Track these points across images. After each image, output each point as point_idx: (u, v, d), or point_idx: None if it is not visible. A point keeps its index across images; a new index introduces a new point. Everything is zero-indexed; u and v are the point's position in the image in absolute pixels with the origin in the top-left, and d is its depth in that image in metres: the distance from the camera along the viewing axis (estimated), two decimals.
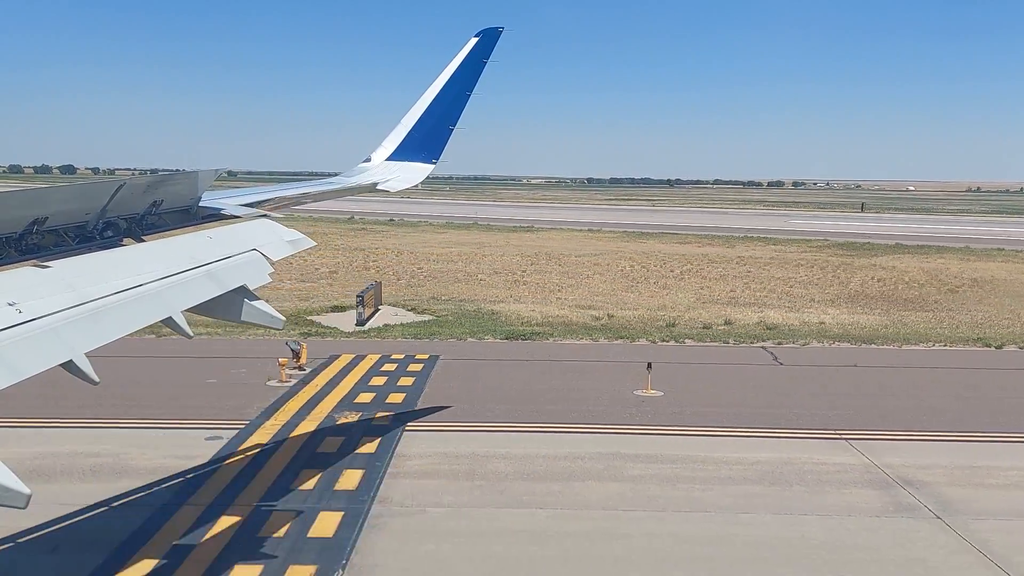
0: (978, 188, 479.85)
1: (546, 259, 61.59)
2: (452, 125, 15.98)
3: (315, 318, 35.34)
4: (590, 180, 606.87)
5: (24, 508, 5.46)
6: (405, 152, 16.21)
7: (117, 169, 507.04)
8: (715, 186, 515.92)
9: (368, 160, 16.38)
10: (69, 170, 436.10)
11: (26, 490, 5.40)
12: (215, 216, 10.97)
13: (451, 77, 15.90)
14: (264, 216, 11.47)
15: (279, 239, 10.83)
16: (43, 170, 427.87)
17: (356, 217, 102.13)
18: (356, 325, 33.52)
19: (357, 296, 35.21)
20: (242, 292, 9.54)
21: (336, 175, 16.24)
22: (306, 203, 14.66)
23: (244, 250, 10.07)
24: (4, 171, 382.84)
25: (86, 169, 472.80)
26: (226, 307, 9.42)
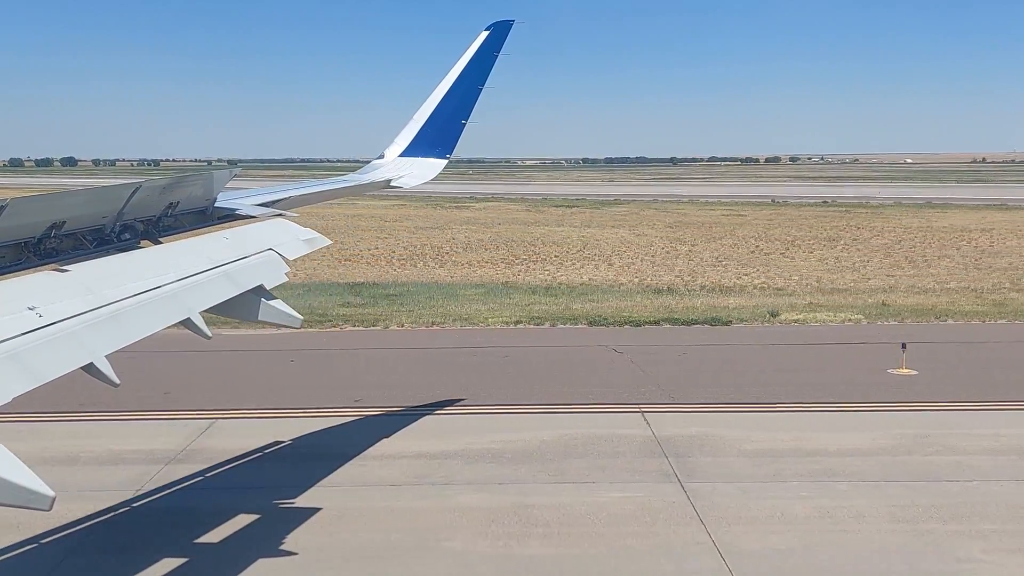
0: (984, 159, 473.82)
1: None
2: (464, 119, 15.90)
3: None
4: (585, 160, 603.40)
5: (48, 510, 5.28)
6: (418, 148, 16.17)
7: (119, 160, 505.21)
8: (723, 164, 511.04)
9: (381, 157, 16.36)
10: (70, 162, 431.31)
11: (50, 492, 5.28)
12: (231, 216, 10.98)
13: (463, 71, 15.80)
14: (279, 215, 11.48)
15: (295, 238, 10.88)
16: (44, 163, 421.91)
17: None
18: None
19: None
20: (259, 292, 9.62)
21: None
22: (321, 201, 14.62)
23: (260, 250, 10.12)
24: (5, 165, 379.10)
25: (88, 161, 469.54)
26: (244, 307, 9.49)
